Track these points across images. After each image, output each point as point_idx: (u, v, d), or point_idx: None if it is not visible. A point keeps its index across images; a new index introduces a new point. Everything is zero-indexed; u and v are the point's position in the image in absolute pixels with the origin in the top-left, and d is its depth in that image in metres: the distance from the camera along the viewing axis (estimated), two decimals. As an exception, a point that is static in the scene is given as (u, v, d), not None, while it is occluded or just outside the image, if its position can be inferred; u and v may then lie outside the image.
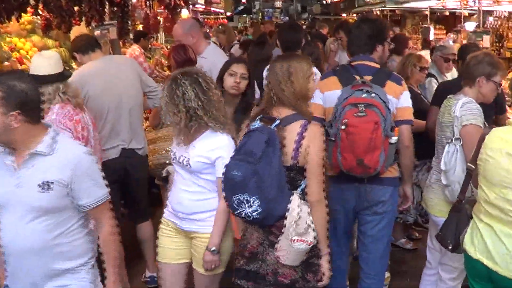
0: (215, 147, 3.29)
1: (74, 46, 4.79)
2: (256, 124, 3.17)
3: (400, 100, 3.75)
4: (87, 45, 4.65)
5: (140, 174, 4.75)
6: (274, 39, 7.44)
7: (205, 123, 3.27)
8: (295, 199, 3.05)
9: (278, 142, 3.05)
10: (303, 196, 3.11)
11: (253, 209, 2.97)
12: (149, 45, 10.74)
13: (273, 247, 3.11)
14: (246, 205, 2.98)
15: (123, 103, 4.58)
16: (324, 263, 3.19)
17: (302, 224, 3.03)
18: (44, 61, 3.83)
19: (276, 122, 3.13)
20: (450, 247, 3.32)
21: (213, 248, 3.31)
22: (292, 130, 3.13)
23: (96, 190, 2.84)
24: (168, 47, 11.65)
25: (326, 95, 3.74)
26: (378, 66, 3.84)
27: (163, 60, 10.34)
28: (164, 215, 3.59)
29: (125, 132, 4.61)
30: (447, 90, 4.80)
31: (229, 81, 4.14)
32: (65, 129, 3.69)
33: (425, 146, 5.31)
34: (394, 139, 3.52)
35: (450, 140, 3.69)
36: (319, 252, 3.17)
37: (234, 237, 3.45)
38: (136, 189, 4.78)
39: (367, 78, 3.62)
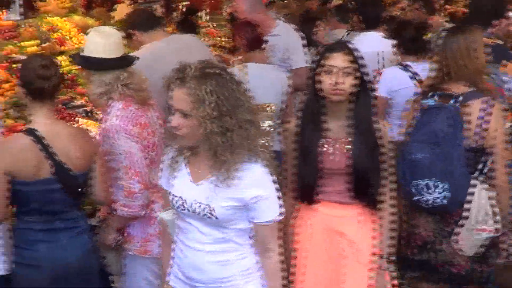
0: (248, 183, 2.27)
1: (131, 22, 3.97)
2: (431, 101, 2.97)
3: None
4: (146, 21, 3.89)
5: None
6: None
7: (240, 146, 2.24)
8: (477, 184, 2.89)
9: (462, 121, 2.88)
10: (482, 180, 2.94)
11: (441, 196, 2.83)
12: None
13: (447, 236, 2.99)
14: (430, 191, 2.84)
15: None
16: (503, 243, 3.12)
17: (483, 211, 2.88)
18: (101, 40, 2.98)
19: (458, 99, 2.93)
20: None
21: None
22: (475, 108, 2.94)
23: None
24: (213, 25, 10.98)
25: None
26: (491, 42, 3.68)
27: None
28: (170, 282, 2.57)
29: None
30: None
31: (325, 82, 2.72)
32: (128, 138, 2.90)
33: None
34: (507, 124, 3.40)
35: None
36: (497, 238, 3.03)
37: None
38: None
39: None
